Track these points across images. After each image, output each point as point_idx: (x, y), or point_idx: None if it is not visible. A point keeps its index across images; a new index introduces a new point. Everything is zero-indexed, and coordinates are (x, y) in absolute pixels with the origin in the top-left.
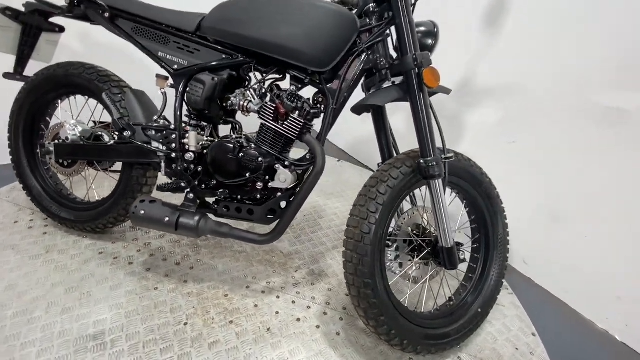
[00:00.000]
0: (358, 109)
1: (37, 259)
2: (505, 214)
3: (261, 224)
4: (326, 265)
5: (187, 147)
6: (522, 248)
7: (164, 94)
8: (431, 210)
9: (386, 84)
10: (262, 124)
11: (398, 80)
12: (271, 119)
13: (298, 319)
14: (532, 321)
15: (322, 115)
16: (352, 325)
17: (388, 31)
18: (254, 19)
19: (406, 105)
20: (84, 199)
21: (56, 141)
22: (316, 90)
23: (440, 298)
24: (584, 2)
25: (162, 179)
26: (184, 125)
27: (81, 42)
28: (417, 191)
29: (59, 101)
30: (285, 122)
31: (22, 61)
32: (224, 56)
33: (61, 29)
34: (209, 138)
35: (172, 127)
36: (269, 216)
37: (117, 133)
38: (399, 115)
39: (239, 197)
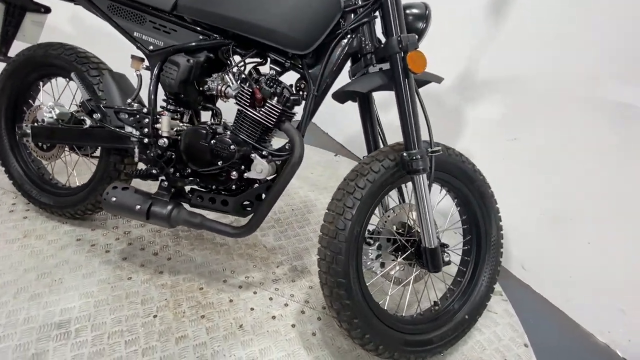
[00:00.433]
0: (340, 96)
1: (14, 243)
2: (500, 214)
3: (237, 216)
4: (310, 262)
5: (160, 132)
6: (521, 252)
7: (139, 76)
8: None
9: (371, 69)
10: (238, 110)
11: (386, 66)
12: (247, 104)
13: (273, 317)
14: (526, 331)
15: (304, 102)
16: (330, 326)
17: (376, 13)
18: None
19: None
20: (65, 184)
21: (34, 124)
22: (298, 75)
23: (426, 302)
24: None
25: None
26: (161, 109)
27: (73, 25)
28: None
29: (41, 83)
30: (263, 109)
31: (6, 41)
32: (201, 37)
33: (47, 10)
34: (185, 124)
35: (145, 110)
36: (247, 208)
37: (87, 116)
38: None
39: (214, 187)
